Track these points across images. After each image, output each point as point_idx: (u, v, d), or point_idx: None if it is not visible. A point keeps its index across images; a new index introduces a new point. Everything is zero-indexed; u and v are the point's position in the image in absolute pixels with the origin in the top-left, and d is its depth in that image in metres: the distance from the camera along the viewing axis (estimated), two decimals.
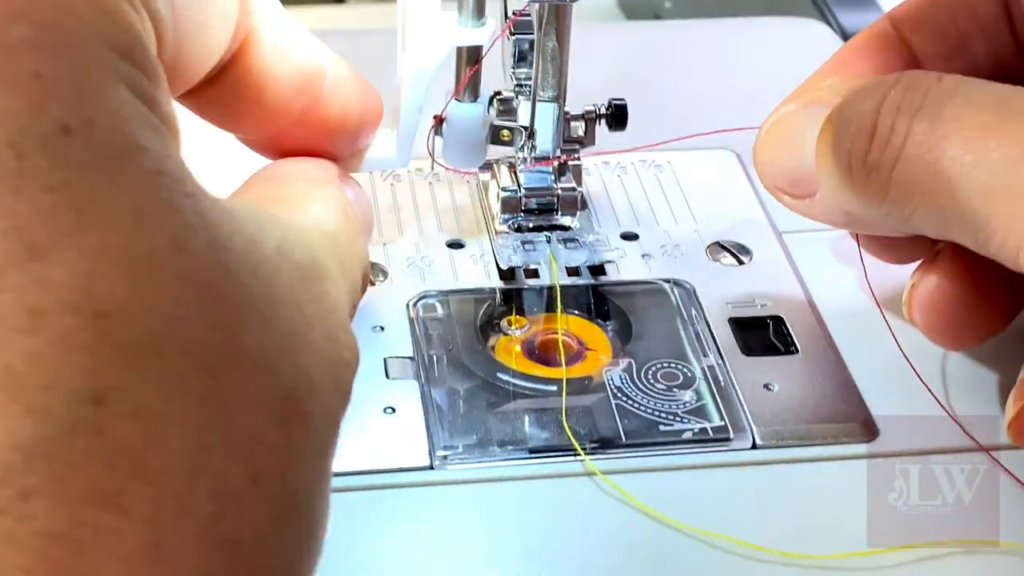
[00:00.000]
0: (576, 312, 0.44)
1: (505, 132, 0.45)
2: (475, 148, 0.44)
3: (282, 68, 0.36)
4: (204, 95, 0.35)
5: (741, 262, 0.46)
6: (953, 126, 0.34)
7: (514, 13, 0.44)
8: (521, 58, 0.45)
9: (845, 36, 0.67)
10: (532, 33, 0.44)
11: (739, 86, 0.59)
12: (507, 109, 0.45)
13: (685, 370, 0.41)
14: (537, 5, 0.43)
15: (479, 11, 0.43)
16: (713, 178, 0.51)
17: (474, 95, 0.44)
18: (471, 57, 0.44)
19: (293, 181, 0.35)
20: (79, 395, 0.22)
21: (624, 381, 0.41)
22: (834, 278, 0.45)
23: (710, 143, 0.52)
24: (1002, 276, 0.37)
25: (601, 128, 0.47)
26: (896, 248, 0.42)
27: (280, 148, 0.38)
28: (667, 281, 0.45)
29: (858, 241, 0.42)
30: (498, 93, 0.45)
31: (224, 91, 0.35)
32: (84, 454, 0.22)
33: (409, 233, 0.47)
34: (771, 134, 0.40)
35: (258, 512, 0.24)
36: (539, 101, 0.45)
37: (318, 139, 0.38)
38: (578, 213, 0.47)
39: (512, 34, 0.45)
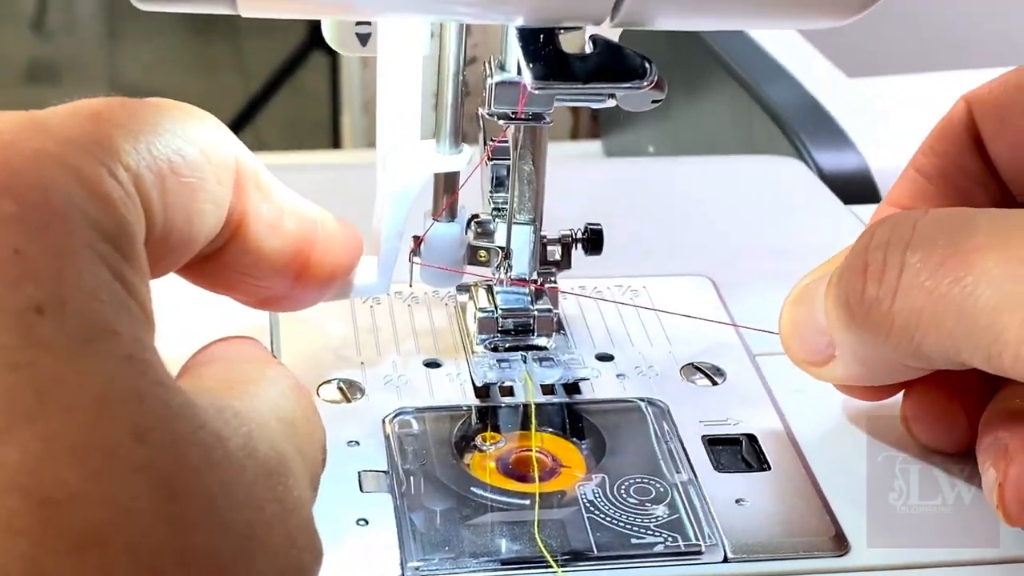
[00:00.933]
0: (551, 430, 0.44)
1: (482, 252, 0.46)
2: (453, 267, 0.45)
3: (275, 243, 0.36)
4: (198, 269, 0.35)
5: (715, 383, 0.47)
6: (948, 252, 0.34)
7: (492, 139, 0.46)
8: (499, 183, 0.46)
9: (821, 174, 0.68)
10: (509, 159, 0.46)
11: (717, 221, 0.60)
12: (484, 231, 0.46)
13: (658, 485, 0.42)
14: (513, 128, 0.44)
15: (456, 139, 0.44)
16: (688, 302, 0.51)
17: (451, 216, 0.45)
18: (449, 181, 0.45)
19: (239, 364, 0.34)
20: None
21: (597, 495, 0.41)
22: (806, 398, 0.46)
23: (685, 269, 0.53)
24: None
25: (577, 253, 0.48)
26: (949, 428, 0.41)
27: (272, 305, 0.39)
28: (641, 400, 0.46)
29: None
30: (475, 216, 0.46)
31: (218, 266, 0.35)
32: None
33: (387, 354, 0.47)
34: (790, 308, 0.41)
35: None
36: (515, 224, 0.46)
37: (310, 293, 0.39)
38: (554, 334, 0.47)
39: (490, 159, 0.46)
